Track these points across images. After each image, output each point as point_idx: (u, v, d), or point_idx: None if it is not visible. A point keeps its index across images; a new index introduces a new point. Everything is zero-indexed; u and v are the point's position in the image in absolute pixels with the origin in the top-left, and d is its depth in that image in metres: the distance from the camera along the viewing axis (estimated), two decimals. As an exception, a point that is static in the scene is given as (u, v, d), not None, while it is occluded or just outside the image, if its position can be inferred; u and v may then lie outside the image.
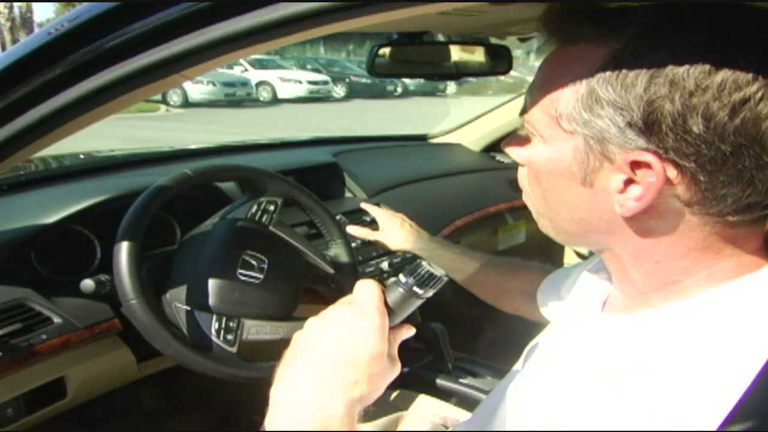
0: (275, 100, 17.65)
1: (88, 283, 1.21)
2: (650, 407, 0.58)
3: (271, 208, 1.38)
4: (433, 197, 2.29)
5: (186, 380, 2.00)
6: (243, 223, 1.34)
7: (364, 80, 20.38)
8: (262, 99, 17.59)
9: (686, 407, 0.57)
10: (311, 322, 0.73)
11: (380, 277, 1.83)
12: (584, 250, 2.68)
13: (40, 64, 0.78)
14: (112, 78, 0.77)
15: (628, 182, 0.63)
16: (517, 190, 2.70)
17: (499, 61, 1.48)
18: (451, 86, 21.52)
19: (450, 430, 1.06)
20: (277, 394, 0.69)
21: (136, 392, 1.86)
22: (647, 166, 0.60)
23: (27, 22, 19.89)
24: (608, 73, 0.61)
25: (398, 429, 1.29)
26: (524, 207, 2.34)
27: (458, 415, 1.39)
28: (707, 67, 0.57)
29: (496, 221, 2.48)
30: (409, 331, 0.76)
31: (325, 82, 19.11)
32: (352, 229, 1.53)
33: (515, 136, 0.76)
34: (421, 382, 1.57)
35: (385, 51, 1.40)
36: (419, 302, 0.74)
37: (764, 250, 0.67)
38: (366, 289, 0.72)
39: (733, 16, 0.59)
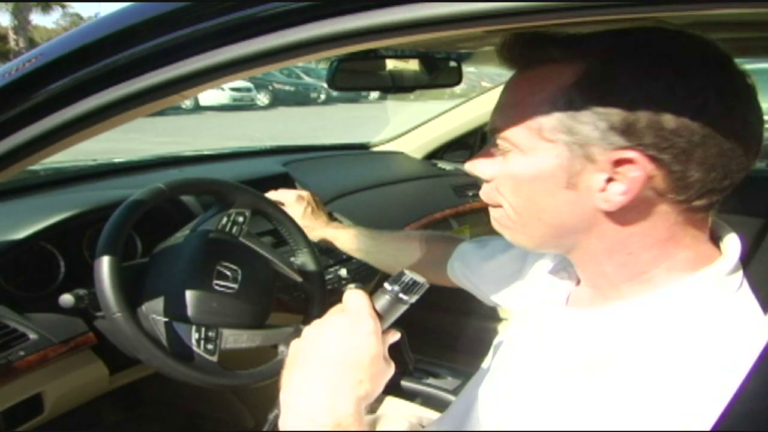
0: (197, 107, 17.28)
1: (67, 298, 1.21)
2: (634, 394, 0.66)
3: (241, 219, 1.41)
4: (383, 205, 2.34)
5: (146, 392, 2.00)
6: (215, 234, 1.36)
7: (287, 87, 20.30)
8: (184, 106, 17.17)
9: (668, 395, 0.65)
10: (309, 330, 0.77)
11: (339, 284, 1.87)
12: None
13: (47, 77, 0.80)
14: (117, 96, 0.80)
15: (608, 180, 0.70)
16: (461, 196, 2.73)
17: (453, 74, 1.56)
18: (374, 93, 21.64)
19: (427, 429, 1.11)
20: (287, 397, 0.73)
21: (97, 406, 1.85)
22: (630, 162, 0.68)
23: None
24: (584, 86, 0.69)
25: (378, 429, 1.33)
26: (468, 212, 2.49)
27: (428, 414, 1.44)
28: (670, 78, 0.67)
29: (442, 227, 2.53)
30: (395, 336, 0.81)
31: (249, 89, 18.87)
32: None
33: (481, 155, 0.82)
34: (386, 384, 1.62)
35: (346, 65, 1.44)
36: (405, 308, 0.80)
37: (713, 241, 0.77)
38: (356, 298, 0.77)
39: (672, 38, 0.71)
